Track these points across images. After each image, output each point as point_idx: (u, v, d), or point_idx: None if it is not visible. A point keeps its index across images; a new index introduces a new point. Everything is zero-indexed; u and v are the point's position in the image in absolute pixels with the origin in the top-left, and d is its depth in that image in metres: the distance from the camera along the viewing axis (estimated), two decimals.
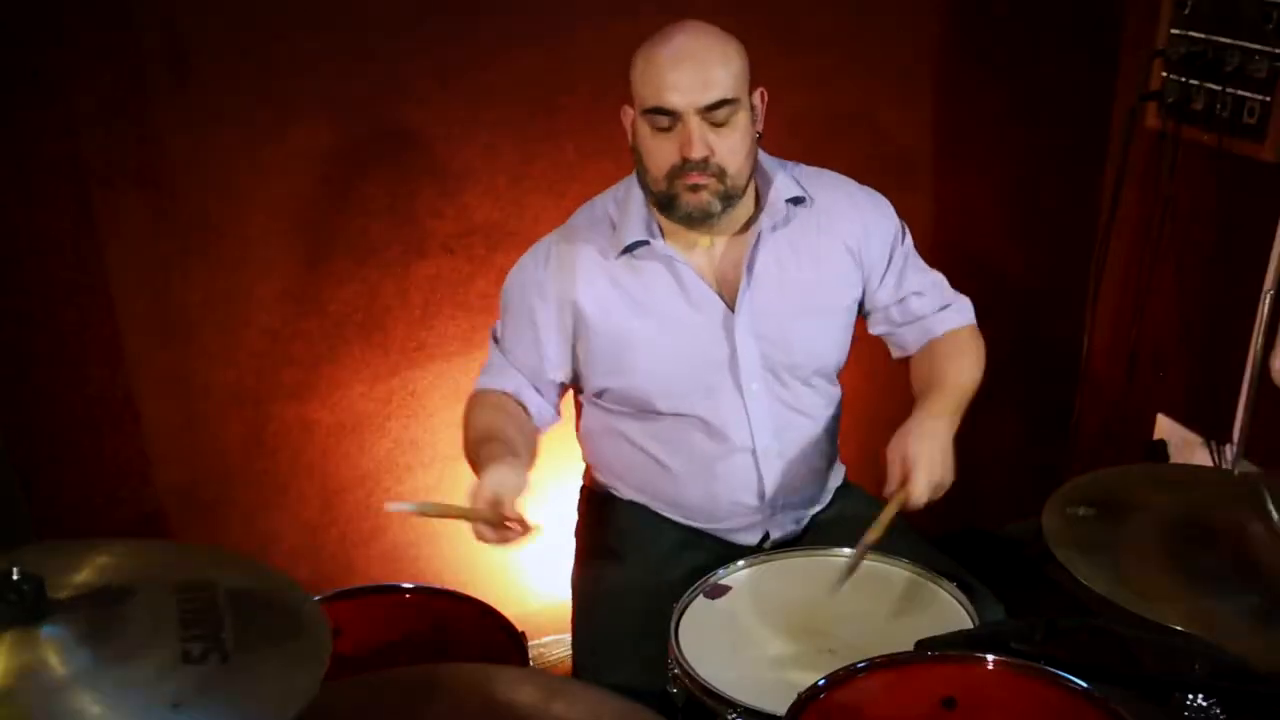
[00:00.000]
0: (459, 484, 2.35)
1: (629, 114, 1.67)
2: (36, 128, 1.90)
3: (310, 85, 2.04)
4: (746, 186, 1.67)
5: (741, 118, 1.60)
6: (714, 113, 1.57)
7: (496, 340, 1.82)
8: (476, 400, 1.78)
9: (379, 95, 2.10)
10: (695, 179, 1.60)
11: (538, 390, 1.78)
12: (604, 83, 2.22)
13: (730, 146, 1.60)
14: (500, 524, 1.50)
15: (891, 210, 1.82)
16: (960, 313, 1.87)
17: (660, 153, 1.61)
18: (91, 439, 2.09)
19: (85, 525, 2.10)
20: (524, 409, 1.76)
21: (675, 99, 1.57)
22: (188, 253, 2.06)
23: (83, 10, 1.87)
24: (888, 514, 1.59)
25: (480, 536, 1.53)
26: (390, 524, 2.37)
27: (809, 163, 1.81)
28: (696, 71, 1.56)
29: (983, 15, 2.48)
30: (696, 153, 1.58)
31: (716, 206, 1.63)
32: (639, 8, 2.18)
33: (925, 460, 1.61)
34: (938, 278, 1.87)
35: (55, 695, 0.95)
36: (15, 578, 0.99)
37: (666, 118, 1.58)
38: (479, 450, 1.63)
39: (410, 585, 1.72)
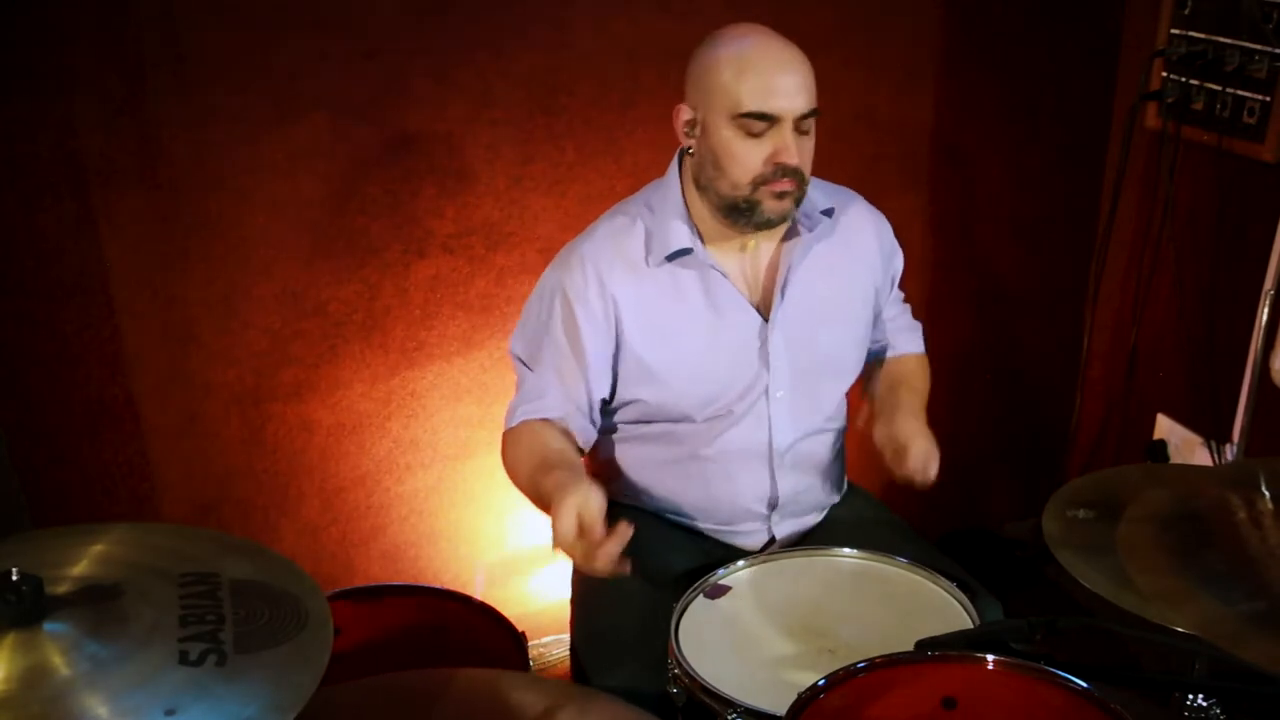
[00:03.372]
0: (459, 484, 2.37)
1: (683, 113, 1.64)
2: (36, 128, 1.90)
3: (310, 85, 2.04)
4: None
5: (815, 126, 1.63)
6: (804, 121, 1.59)
7: (525, 362, 1.75)
8: (521, 433, 1.70)
9: (379, 95, 2.09)
10: (783, 185, 1.60)
11: (581, 410, 1.71)
12: (604, 83, 2.23)
13: (809, 154, 1.63)
14: (597, 547, 1.43)
15: (890, 227, 1.87)
16: (918, 339, 1.97)
17: (749, 158, 1.59)
18: (91, 439, 2.09)
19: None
20: (570, 434, 1.69)
21: (778, 105, 1.56)
22: (188, 253, 2.06)
23: (83, 10, 1.87)
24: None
25: (583, 565, 1.45)
26: (390, 524, 2.37)
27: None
28: (794, 77, 1.57)
29: (983, 16, 2.48)
30: (794, 160, 1.58)
31: (794, 212, 1.66)
32: (639, 8, 2.19)
33: (917, 443, 1.68)
34: (904, 302, 1.97)
35: (59, 697, 0.95)
36: (14, 578, 0.98)
37: (763, 123, 1.57)
38: (541, 482, 1.55)
39: (410, 585, 1.72)
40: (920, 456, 1.67)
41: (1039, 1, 2.51)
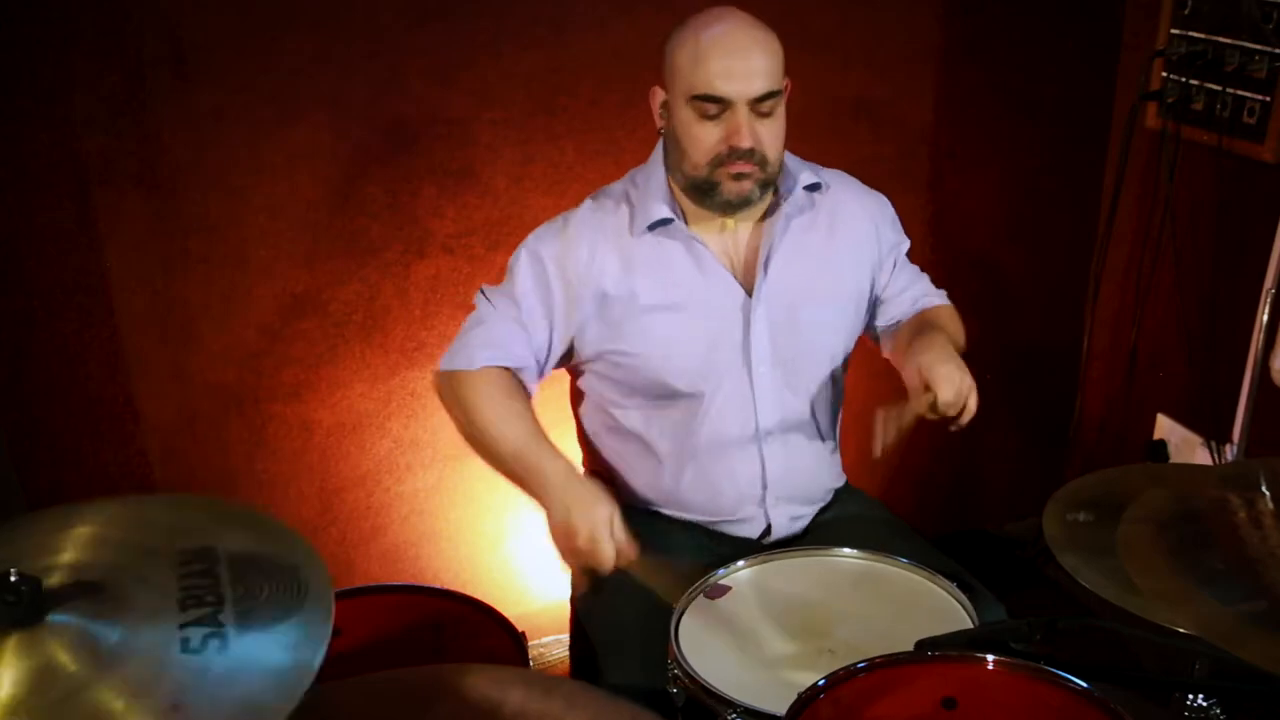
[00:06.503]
0: (459, 484, 2.37)
1: (659, 95, 1.67)
2: (36, 128, 1.90)
3: (310, 85, 2.04)
4: (779, 173, 1.69)
5: (781, 108, 1.63)
6: (761, 103, 1.59)
7: (490, 302, 1.74)
8: (485, 381, 1.68)
9: (379, 95, 2.10)
10: (740, 167, 1.62)
11: (537, 363, 1.73)
12: (604, 83, 2.23)
13: (772, 136, 1.63)
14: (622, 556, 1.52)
15: (892, 209, 1.87)
16: (944, 297, 1.95)
17: (705, 140, 1.61)
18: (91, 439, 2.09)
19: None
20: (526, 390, 1.73)
21: (728, 88, 1.58)
22: (188, 253, 2.06)
23: (83, 10, 1.87)
24: (909, 415, 1.61)
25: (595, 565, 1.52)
26: (390, 524, 2.37)
27: (809, 161, 1.82)
28: (748, 61, 1.58)
29: (983, 15, 2.48)
30: (746, 142, 1.60)
31: (756, 194, 1.66)
32: (639, 8, 2.19)
33: (944, 368, 1.60)
34: (920, 272, 1.95)
35: (67, 694, 0.94)
36: (13, 579, 0.98)
37: (715, 105, 1.59)
38: (526, 455, 1.59)
39: (410, 585, 1.71)
40: (951, 381, 1.59)
41: (1039, 1, 2.51)
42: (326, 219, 2.14)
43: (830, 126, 2.40)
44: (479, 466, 2.34)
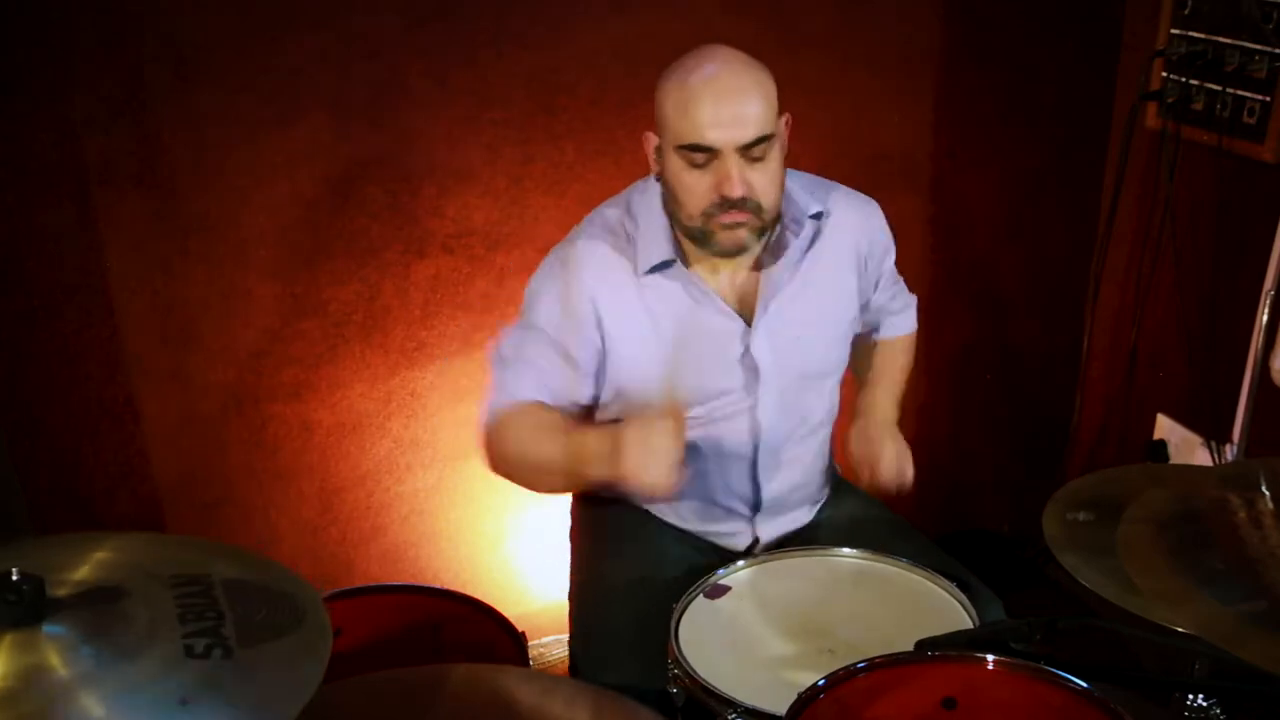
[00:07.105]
0: (459, 484, 2.37)
1: (652, 140, 1.64)
2: (36, 128, 1.90)
3: (310, 85, 2.04)
4: (779, 216, 1.66)
5: (776, 150, 1.59)
6: (751, 149, 1.55)
7: (506, 359, 1.72)
8: (514, 417, 1.67)
9: (379, 95, 2.10)
10: (733, 217, 1.57)
11: (563, 406, 1.71)
12: (604, 83, 2.23)
13: (766, 181, 1.58)
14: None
15: (882, 214, 1.85)
16: (910, 317, 1.98)
17: (696, 189, 1.57)
18: (91, 438, 2.09)
19: (84, 525, 2.10)
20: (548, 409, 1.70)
21: (715, 137, 1.53)
22: (188, 253, 2.06)
23: (83, 10, 1.87)
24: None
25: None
26: (390, 524, 2.37)
27: (808, 164, 1.81)
28: (736, 108, 1.53)
29: (983, 15, 2.48)
30: (736, 191, 1.55)
31: (753, 242, 1.63)
32: (638, 8, 2.19)
33: (887, 448, 1.74)
34: (897, 278, 1.96)
35: (59, 696, 0.95)
36: (15, 578, 0.98)
37: (703, 154, 1.55)
38: (573, 438, 1.61)
39: (410, 585, 1.72)
40: (890, 467, 1.70)
41: (1039, 1, 2.51)
42: (326, 219, 2.14)
43: (831, 128, 2.40)
44: (479, 466, 2.34)
